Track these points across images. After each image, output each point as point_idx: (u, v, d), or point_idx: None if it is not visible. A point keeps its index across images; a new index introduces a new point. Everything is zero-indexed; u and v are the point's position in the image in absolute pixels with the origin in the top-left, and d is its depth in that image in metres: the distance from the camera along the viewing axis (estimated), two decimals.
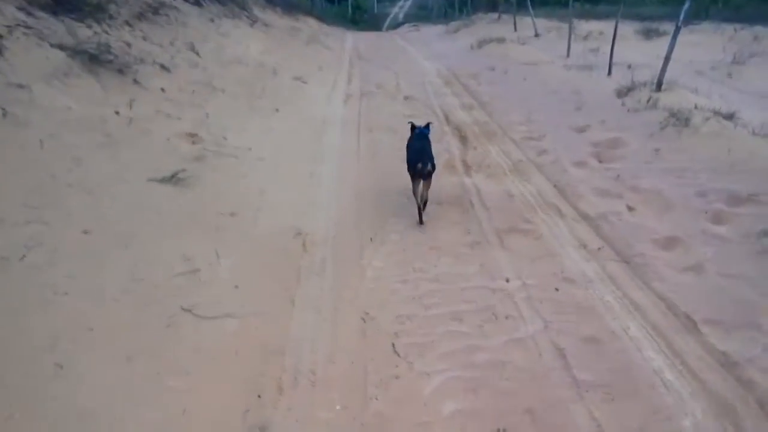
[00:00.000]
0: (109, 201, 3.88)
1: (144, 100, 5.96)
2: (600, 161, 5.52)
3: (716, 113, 6.01)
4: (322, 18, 27.74)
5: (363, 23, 47.20)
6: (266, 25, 14.63)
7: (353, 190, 4.81)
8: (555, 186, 4.91)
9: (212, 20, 11.17)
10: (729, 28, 14.25)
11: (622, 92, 7.86)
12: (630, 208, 4.39)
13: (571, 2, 12.14)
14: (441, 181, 5.07)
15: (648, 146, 5.67)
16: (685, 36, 14.00)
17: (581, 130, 6.56)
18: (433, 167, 4.26)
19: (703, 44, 12.51)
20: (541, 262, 3.63)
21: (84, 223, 3.49)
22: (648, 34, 14.10)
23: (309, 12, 26.00)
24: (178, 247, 3.51)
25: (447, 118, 7.38)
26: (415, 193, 4.31)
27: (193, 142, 5.52)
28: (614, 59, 11.17)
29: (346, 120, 7.14)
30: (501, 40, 12.82)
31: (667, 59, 7.59)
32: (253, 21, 14.04)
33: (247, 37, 11.68)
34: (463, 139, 6.41)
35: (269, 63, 9.91)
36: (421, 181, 4.28)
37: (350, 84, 9.72)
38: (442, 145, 6.12)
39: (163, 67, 7.13)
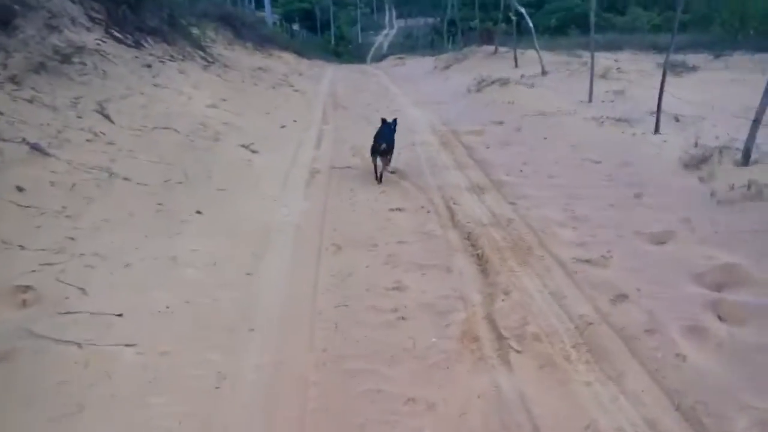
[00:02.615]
0: None
1: None
2: (724, 321, 3.21)
3: None
4: (301, 52, 25.73)
5: (347, 55, 45.51)
6: (226, 66, 12.42)
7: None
8: (677, 407, 2.57)
9: (149, 66, 8.91)
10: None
11: (692, 164, 5.64)
12: None
13: (592, 32, 9.98)
14: (457, 387, 2.73)
15: None
16: (717, 71, 11.98)
17: (659, 240, 4.26)
18: (388, 147, 5.83)
19: (746, 81, 10.40)
20: None
21: None
22: (675, 69, 12.00)
23: (286, 46, 24.02)
24: None
25: (451, 212, 5.07)
26: (374, 164, 5.92)
27: (24, 303, 3.19)
28: (645, 104, 9.03)
29: (303, 226, 4.77)
30: (504, 82, 10.65)
31: (757, 122, 5.36)
32: (209, 62, 11.82)
33: (196, 84, 9.41)
34: (482, 261, 4.08)
35: (214, 121, 7.63)
36: (378, 158, 5.85)
37: (318, 149, 7.42)
38: (447, 284, 3.78)
39: (35, 148, 4.84)
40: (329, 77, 17.33)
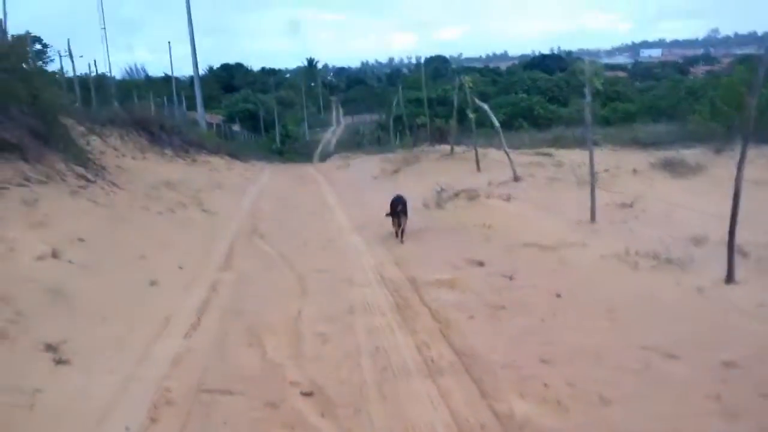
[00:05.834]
0: None
1: None
2: None
3: None
4: (235, 154, 23.24)
5: (291, 153, 43.46)
6: (114, 184, 9.52)
7: None
8: None
9: None
10: None
11: None
12: None
13: (589, 130, 7.66)
14: None
15: None
16: (728, 170, 9.87)
17: None
18: (403, 210, 6.95)
19: None
20: None
21: None
22: (673, 169, 9.85)
23: (217, 149, 21.46)
24: None
25: None
26: (393, 224, 7.02)
27: None
28: (672, 223, 6.65)
29: None
30: (472, 194, 8.13)
31: None
32: (89, 181, 8.90)
33: (43, 220, 6.41)
34: None
35: (32, 288, 4.64)
36: (396, 219, 6.98)
37: (192, 335, 4.47)
38: None
39: None
40: (260, 186, 14.69)
